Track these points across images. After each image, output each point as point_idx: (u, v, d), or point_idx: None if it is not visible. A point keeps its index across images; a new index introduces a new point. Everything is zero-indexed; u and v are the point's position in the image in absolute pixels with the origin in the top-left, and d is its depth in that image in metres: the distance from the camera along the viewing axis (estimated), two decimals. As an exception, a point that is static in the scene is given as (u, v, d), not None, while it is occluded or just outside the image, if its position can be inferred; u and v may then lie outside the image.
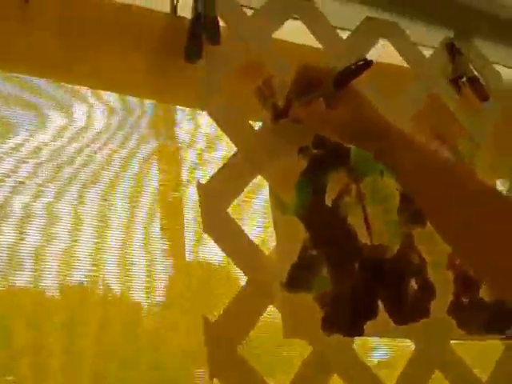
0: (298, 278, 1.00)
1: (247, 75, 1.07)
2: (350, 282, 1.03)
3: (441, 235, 0.89)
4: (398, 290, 1.07)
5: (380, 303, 1.05)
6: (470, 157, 1.24)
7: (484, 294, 1.15)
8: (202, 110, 1.04)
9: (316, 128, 1.03)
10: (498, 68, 1.36)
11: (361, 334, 1.02)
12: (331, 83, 0.96)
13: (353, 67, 0.95)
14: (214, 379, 0.93)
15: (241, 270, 0.99)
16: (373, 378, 1.05)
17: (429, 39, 1.29)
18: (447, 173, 0.90)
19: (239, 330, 0.97)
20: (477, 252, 0.85)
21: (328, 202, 1.06)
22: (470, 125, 1.26)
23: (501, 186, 1.30)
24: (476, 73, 1.29)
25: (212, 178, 1.01)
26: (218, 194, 1.00)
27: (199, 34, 1.03)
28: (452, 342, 1.12)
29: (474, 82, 1.27)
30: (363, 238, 1.07)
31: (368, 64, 0.95)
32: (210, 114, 1.03)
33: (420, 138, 1.15)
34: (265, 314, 1.00)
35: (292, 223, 1.02)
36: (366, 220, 1.08)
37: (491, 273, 0.84)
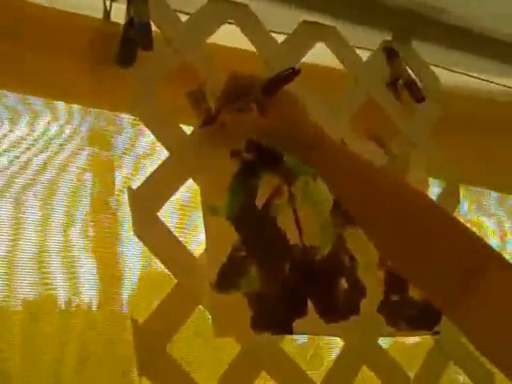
0: (227, 278, 1.03)
1: (180, 80, 1.09)
2: (279, 281, 1.07)
3: (370, 240, 0.94)
4: (328, 289, 1.11)
5: (310, 302, 1.08)
6: (405, 159, 1.28)
7: (414, 292, 1.18)
8: (133, 114, 1.07)
9: (244, 135, 1.07)
10: (438, 70, 1.39)
11: (290, 331, 1.06)
12: (259, 91, 0.99)
13: (282, 75, 0.99)
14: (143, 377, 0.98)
15: (170, 272, 1.02)
16: (301, 374, 1.09)
17: (367, 42, 1.32)
18: (377, 181, 0.93)
19: (167, 330, 1.01)
20: (402, 255, 0.89)
21: (259, 204, 1.09)
22: (406, 127, 1.30)
23: (436, 187, 1.34)
24: (413, 75, 1.32)
25: (143, 182, 1.03)
26: (149, 198, 1.02)
27: (132, 39, 1.05)
28: (381, 338, 1.17)
29: (410, 84, 1.30)
30: (294, 240, 1.10)
31: (296, 72, 0.98)
32: (141, 118, 1.06)
33: (356, 140, 1.22)
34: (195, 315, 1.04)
35: (222, 226, 1.05)
36: (296, 222, 1.12)
37: (416, 275, 0.89)
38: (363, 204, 0.93)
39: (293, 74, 0.99)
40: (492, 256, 0.85)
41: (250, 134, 1.05)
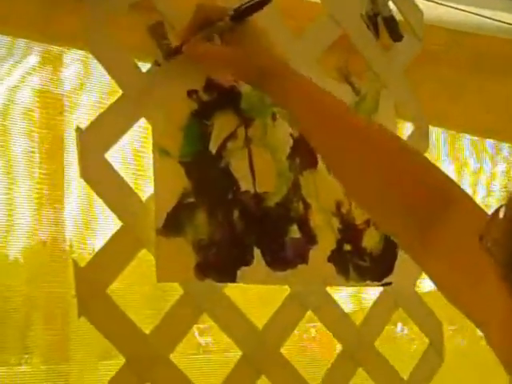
0: (174, 224, 1.09)
1: (137, 15, 1.11)
2: (226, 229, 1.13)
3: (334, 176, 1.02)
4: (278, 237, 1.18)
5: (257, 250, 1.16)
6: (374, 98, 1.32)
7: (368, 242, 1.26)
8: (85, 48, 1.10)
9: (210, 64, 1.11)
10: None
11: (233, 280, 1.13)
12: (228, 18, 1.04)
13: (251, 2, 1.04)
14: (82, 317, 1.05)
15: (115, 215, 1.08)
16: (241, 317, 1.17)
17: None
18: (343, 116, 1.01)
19: (109, 272, 1.07)
20: (367, 192, 0.98)
21: (213, 148, 1.14)
22: (379, 65, 1.32)
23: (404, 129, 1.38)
24: (393, 11, 1.34)
25: (92, 122, 1.07)
26: (97, 138, 1.07)
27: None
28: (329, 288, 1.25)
29: (389, 20, 1.32)
30: (247, 186, 1.16)
31: (266, 1, 1.03)
32: (93, 52, 1.08)
33: (324, 77, 1.26)
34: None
35: (173, 169, 1.10)
36: (251, 167, 1.17)
37: (380, 214, 0.99)
38: (328, 138, 1.01)
39: (263, 1, 1.03)
40: (456, 191, 0.93)
41: (216, 64, 1.10)
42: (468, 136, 1.66)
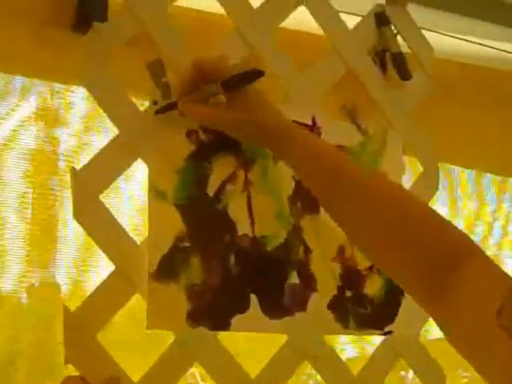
0: (167, 269, 1.08)
1: (137, 52, 1.10)
2: (221, 274, 1.12)
3: (342, 229, 1.02)
4: (276, 283, 1.17)
5: (254, 297, 1.14)
6: (381, 139, 1.30)
7: (370, 289, 1.24)
8: (81, 85, 1.09)
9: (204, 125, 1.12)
10: (431, 35, 1.39)
11: (227, 328, 1.12)
12: (219, 84, 1.04)
13: (244, 74, 1.05)
14: (69, 365, 1.04)
15: (109, 258, 1.07)
16: (235, 366, 1.15)
17: (357, 7, 1.31)
18: (346, 168, 1.01)
19: (99, 318, 1.06)
20: (372, 246, 0.98)
21: (210, 191, 1.13)
22: (387, 105, 1.30)
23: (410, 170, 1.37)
24: (402, 47, 1.31)
25: (87, 162, 1.07)
26: (92, 179, 1.06)
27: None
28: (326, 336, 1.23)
29: (397, 57, 1.30)
30: (245, 229, 1.14)
31: (259, 74, 1.05)
32: (88, 89, 1.07)
33: (328, 118, 1.24)
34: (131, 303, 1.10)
35: (168, 212, 1.09)
36: (249, 209, 1.16)
37: (391, 268, 0.97)
38: (331, 193, 1.01)
39: (255, 75, 1.05)
40: (469, 247, 0.91)
41: (213, 126, 1.09)
42: (489, 175, 1.64)
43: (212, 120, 1.06)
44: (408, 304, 1.24)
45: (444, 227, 0.94)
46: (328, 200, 1.03)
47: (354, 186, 0.99)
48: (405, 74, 1.30)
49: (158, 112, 1.09)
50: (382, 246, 0.96)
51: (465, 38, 1.44)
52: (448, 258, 0.89)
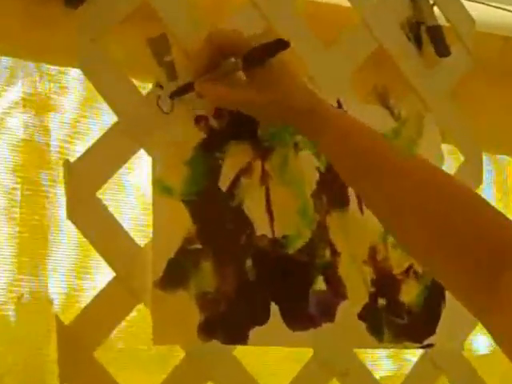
0: (175, 274, 0.98)
1: (138, 27, 1.01)
2: (237, 281, 1.01)
3: (382, 225, 0.95)
4: (299, 290, 1.06)
5: (274, 306, 1.03)
6: (417, 124, 1.19)
7: (406, 296, 1.13)
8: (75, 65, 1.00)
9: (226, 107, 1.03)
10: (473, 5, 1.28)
11: (244, 342, 1.01)
12: (240, 61, 0.94)
13: (267, 45, 0.94)
14: (65, 384, 0.95)
15: (108, 264, 0.97)
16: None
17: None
18: (383, 152, 0.93)
19: (97, 332, 0.96)
20: (418, 243, 0.89)
21: (223, 185, 1.02)
22: (422, 85, 1.21)
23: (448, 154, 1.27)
24: (439, 19, 1.21)
25: (83, 154, 0.97)
26: (88, 173, 0.96)
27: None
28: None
29: (434, 31, 1.20)
30: (263, 229, 1.04)
31: (284, 45, 0.94)
32: (84, 71, 0.98)
33: (356, 101, 1.14)
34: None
35: (175, 210, 0.99)
36: (268, 206, 1.05)
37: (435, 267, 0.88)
38: (368, 177, 0.93)
39: (280, 46, 0.94)
40: None
41: (235, 107, 1.00)
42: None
43: (235, 101, 0.98)
44: (450, 313, 1.14)
45: (496, 220, 0.85)
46: (364, 186, 0.95)
47: (396, 170, 0.91)
48: (442, 50, 1.21)
49: (171, 96, 0.99)
50: (425, 237, 0.87)
51: (510, 8, 1.33)
52: (500, 255, 0.80)
